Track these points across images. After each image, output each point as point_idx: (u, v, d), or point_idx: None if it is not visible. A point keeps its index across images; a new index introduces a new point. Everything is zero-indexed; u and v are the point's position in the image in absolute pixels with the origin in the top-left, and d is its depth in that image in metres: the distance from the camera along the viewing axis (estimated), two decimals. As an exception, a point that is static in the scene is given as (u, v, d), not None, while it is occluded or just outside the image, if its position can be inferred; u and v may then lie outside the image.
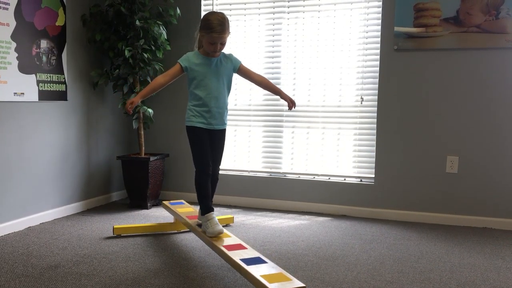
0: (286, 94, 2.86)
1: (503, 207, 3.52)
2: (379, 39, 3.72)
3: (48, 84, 3.53)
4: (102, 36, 3.86)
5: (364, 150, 3.89)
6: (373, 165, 3.82)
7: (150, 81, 3.88)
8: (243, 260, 2.28)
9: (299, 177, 4.05)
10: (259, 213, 3.93)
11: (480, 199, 3.57)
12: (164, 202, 3.49)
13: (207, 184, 2.76)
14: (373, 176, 3.83)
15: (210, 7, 4.18)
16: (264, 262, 2.27)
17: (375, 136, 3.80)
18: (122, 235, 3.23)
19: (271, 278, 2.07)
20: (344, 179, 3.94)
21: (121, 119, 4.38)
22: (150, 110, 3.99)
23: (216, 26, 2.58)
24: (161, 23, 3.93)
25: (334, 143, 3.98)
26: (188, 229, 3.25)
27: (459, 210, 3.62)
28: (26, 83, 3.35)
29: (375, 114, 3.79)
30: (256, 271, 2.14)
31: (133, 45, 3.83)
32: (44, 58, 3.49)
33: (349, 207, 3.88)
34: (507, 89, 3.47)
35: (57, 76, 3.62)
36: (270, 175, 4.14)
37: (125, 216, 3.76)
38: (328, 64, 3.93)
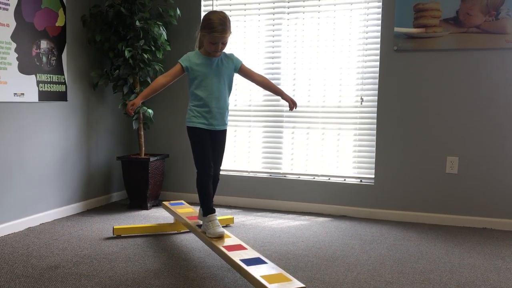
0: (287, 95, 2.84)
1: (503, 207, 3.52)
2: (379, 40, 3.72)
3: (48, 84, 3.53)
4: (102, 37, 3.87)
5: (364, 150, 3.89)
6: (373, 165, 3.82)
7: (150, 82, 3.89)
8: (243, 260, 2.28)
9: (299, 177, 4.05)
10: (259, 214, 3.93)
11: (480, 200, 3.57)
12: (164, 202, 3.50)
13: (209, 185, 2.75)
14: (373, 176, 3.83)
15: (210, 8, 4.18)
16: (264, 262, 2.27)
17: (375, 137, 3.81)
18: (122, 235, 3.23)
19: (271, 278, 2.07)
20: (344, 180, 3.94)
21: (121, 120, 4.38)
22: (150, 111, 3.99)
23: (218, 25, 2.56)
24: (161, 23, 3.93)
25: (334, 144, 3.98)
26: (188, 230, 3.25)
27: (459, 210, 3.62)
28: (26, 83, 3.35)
29: (375, 115, 3.80)
30: (256, 271, 2.14)
31: (133, 46, 3.83)
32: (44, 59, 3.49)
33: (349, 207, 3.88)
34: (507, 89, 3.47)
35: (57, 77, 3.62)
36: (270, 175, 4.14)
37: (125, 217, 3.76)
38: (328, 64, 3.93)
